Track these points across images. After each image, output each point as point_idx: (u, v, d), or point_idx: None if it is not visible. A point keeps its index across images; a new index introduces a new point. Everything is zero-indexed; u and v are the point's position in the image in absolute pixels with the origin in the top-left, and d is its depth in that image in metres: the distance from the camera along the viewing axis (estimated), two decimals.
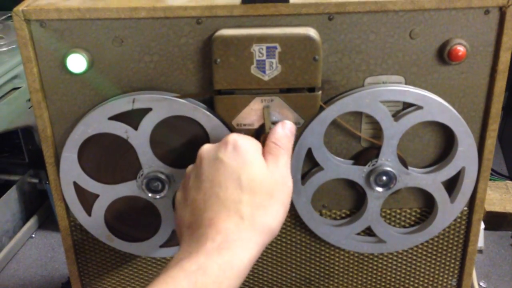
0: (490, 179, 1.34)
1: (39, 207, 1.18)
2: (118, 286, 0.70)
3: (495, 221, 1.11)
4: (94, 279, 0.69)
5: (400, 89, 0.57)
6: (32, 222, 1.15)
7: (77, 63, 0.55)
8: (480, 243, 1.12)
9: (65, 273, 1.02)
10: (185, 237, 0.47)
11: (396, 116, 0.58)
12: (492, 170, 1.39)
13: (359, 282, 0.70)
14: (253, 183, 0.47)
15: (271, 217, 0.47)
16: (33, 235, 1.14)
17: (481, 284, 0.99)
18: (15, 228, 1.11)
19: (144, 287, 0.69)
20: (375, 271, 0.69)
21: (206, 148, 0.51)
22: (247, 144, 0.49)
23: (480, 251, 1.07)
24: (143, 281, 0.69)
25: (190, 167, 0.52)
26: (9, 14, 1.26)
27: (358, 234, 0.65)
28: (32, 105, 0.58)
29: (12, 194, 1.09)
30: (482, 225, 1.10)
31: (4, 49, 1.07)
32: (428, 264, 0.68)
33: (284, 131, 0.52)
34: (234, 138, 0.49)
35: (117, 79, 0.57)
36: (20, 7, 0.54)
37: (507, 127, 1.48)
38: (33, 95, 0.57)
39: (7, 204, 1.08)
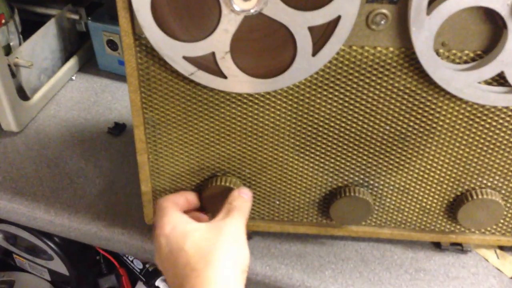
0: None
1: (78, 48, 1.08)
2: (184, 119, 0.60)
3: None
4: (157, 111, 0.60)
5: None
6: (72, 63, 1.04)
7: None
8: None
9: (111, 118, 0.94)
10: None
11: None
12: None
13: (463, 142, 0.60)
14: (197, 244, 0.52)
15: (216, 250, 0.51)
16: (73, 77, 1.04)
17: None
18: (54, 68, 1.01)
19: (211, 126, 0.60)
20: (485, 131, 0.59)
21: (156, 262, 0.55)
22: (176, 231, 0.54)
23: None
24: (211, 117, 0.59)
25: None
26: None
27: (482, 82, 0.54)
28: None
29: (50, 28, 0.97)
30: None
31: None
32: None
33: (239, 194, 0.59)
34: (157, 234, 0.54)
35: None
36: None
37: None
38: None
39: (45, 40, 0.96)
